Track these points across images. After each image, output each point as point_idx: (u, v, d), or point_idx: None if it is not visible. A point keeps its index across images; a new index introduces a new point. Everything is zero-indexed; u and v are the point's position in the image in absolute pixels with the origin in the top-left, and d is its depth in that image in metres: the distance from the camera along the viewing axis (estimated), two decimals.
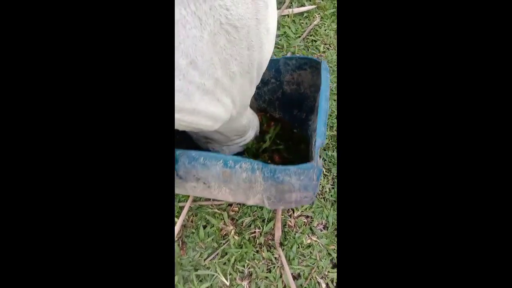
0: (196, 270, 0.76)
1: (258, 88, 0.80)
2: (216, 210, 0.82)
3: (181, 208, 0.82)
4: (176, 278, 0.76)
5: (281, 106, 0.83)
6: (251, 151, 0.79)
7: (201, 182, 0.60)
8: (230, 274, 0.76)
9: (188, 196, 0.83)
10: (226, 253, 0.78)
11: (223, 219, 0.81)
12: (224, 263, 0.77)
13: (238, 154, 0.78)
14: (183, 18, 0.33)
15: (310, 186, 0.57)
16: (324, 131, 0.58)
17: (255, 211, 0.82)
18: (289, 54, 1.05)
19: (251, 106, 0.75)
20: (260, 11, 0.40)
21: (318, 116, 0.59)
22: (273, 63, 0.74)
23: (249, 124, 0.71)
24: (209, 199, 0.83)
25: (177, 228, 0.79)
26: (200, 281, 0.76)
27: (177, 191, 0.65)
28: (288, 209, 0.82)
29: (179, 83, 0.37)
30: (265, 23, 0.42)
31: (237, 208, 0.83)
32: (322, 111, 0.60)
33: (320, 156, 0.57)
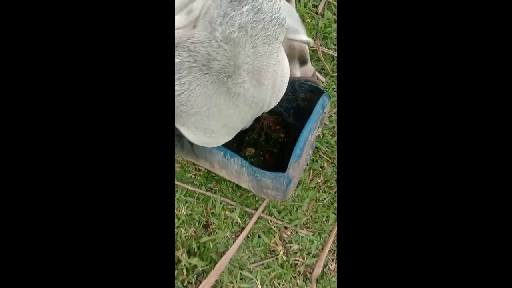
0: (241, 269, 0.90)
1: None
2: (272, 227, 0.95)
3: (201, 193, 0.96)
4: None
5: (295, 114, 0.95)
6: (250, 142, 0.95)
7: (207, 162, 0.81)
8: (266, 286, 0.89)
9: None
10: (269, 266, 0.91)
11: (275, 237, 0.94)
12: (265, 274, 0.90)
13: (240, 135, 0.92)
14: (227, 108, 0.51)
15: (280, 189, 0.75)
16: (299, 154, 0.73)
17: (305, 242, 0.93)
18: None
19: None
20: (274, 92, 0.58)
21: (298, 140, 0.74)
22: (289, 84, 0.86)
23: None
24: (271, 215, 0.96)
25: (245, 231, 0.93)
26: (241, 279, 0.90)
27: (193, 161, 0.88)
28: (333, 253, 0.92)
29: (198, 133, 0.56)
30: (276, 95, 0.59)
31: (289, 233, 0.95)
32: (302, 140, 0.75)
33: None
